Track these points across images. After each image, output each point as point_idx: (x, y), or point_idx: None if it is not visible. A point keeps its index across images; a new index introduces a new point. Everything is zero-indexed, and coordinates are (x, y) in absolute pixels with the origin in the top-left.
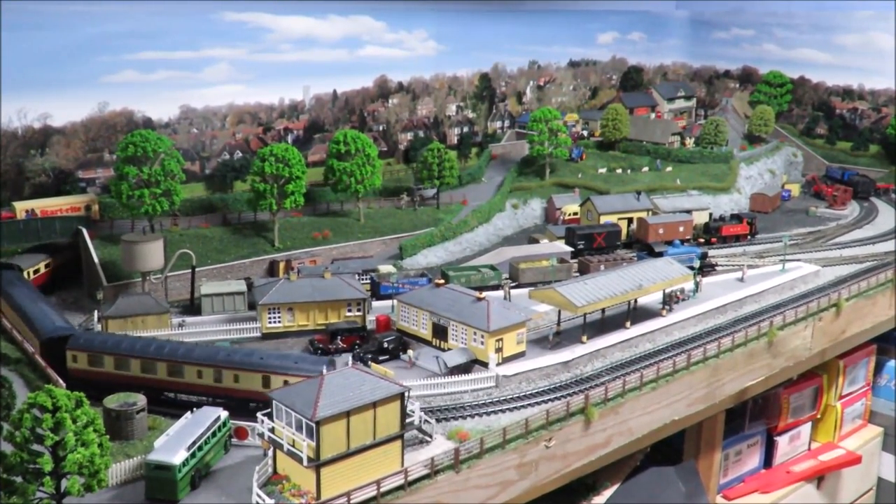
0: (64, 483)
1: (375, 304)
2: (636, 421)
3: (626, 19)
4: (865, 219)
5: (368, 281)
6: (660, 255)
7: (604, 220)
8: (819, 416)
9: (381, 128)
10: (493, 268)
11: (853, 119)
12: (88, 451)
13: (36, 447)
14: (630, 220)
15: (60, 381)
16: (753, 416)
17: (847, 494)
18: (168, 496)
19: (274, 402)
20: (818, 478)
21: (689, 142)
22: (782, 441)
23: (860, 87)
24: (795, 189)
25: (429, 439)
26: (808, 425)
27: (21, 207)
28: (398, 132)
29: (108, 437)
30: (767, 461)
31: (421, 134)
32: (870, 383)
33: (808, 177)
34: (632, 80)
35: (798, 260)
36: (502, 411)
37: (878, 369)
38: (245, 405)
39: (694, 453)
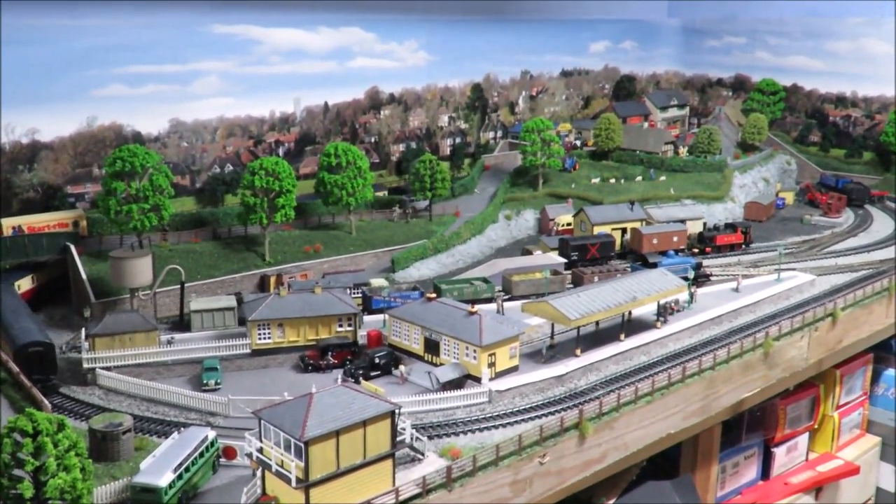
0: None
1: (367, 318)
2: (632, 435)
3: (618, 28)
4: (860, 226)
5: (360, 295)
6: (654, 265)
7: (597, 230)
8: (816, 427)
9: (372, 140)
10: (485, 280)
11: (847, 126)
12: (70, 476)
13: (16, 472)
14: (624, 231)
15: (46, 403)
16: (750, 427)
17: None
18: None
19: (262, 421)
20: (816, 489)
21: (683, 151)
22: (779, 452)
23: (853, 94)
24: (790, 197)
25: (421, 457)
26: (806, 436)
27: (8, 224)
28: (390, 144)
29: (91, 460)
30: (765, 473)
31: (413, 145)
32: (867, 393)
33: (803, 185)
34: (624, 89)
35: (793, 269)
36: (495, 427)
37: (876, 378)
38: None
39: (690, 466)
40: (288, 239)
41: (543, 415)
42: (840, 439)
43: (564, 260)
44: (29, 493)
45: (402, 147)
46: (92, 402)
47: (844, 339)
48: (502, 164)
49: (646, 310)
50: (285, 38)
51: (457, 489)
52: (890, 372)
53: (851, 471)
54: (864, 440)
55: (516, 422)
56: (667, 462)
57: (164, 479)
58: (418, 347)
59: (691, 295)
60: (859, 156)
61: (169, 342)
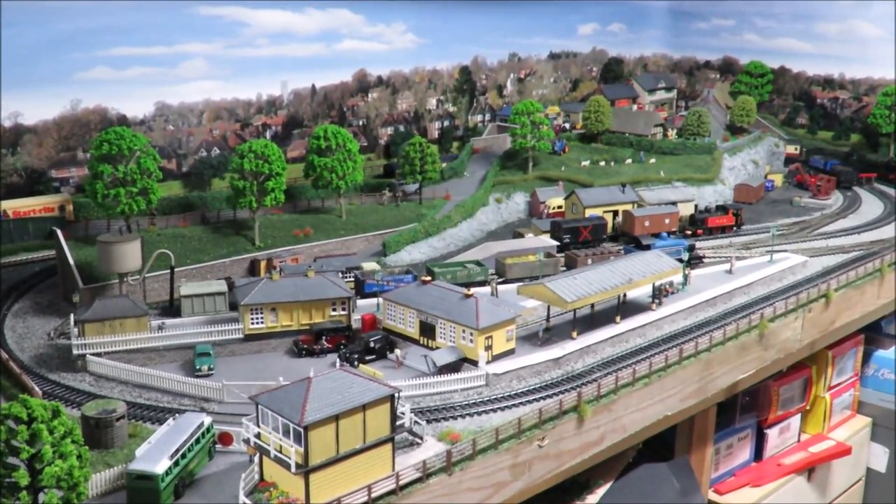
0: (41, 497)
1: (360, 302)
2: (629, 417)
3: (606, 10)
4: (850, 208)
5: (352, 279)
6: (647, 247)
7: (589, 213)
8: (808, 408)
9: (360, 122)
10: (479, 263)
11: (834, 108)
12: (66, 464)
13: (11, 460)
14: (615, 213)
15: (37, 390)
16: (744, 409)
17: (837, 485)
18: None
19: (259, 406)
20: (809, 469)
21: (672, 133)
22: (772, 434)
23: (841, 76)
24: (778, 179)
25: (420, 441)
26: (798, 417)
27: None
28: (378, 127)
29: (86, 447)
30: (758, 454)
31: (401, 128)
32: (858, 373)
33: (791, 167)
34: (612, 72)
35: (785, 251)
36: (494, 411)
37: (866, 359)
38: None
39: (686, 448)
40: (277, 223)
41: (541, 398)
42: (831, 420)
43: (557, 243)
44: (24, 482)
45: (390, 130)
46: (83, 388)
47: (837, 319)
48: (491, 148)
49: (640, 292)
50: (272, 19)
51: (457, 473)
52: (880, 352)
53: (843, 451)
54: (855, 421)
55: (514, 405)
56: (662, 444)
57: (160, 466)
58: (413, 331)
59: (686, 277)
60: (847, 138)
61: (160, 328)
